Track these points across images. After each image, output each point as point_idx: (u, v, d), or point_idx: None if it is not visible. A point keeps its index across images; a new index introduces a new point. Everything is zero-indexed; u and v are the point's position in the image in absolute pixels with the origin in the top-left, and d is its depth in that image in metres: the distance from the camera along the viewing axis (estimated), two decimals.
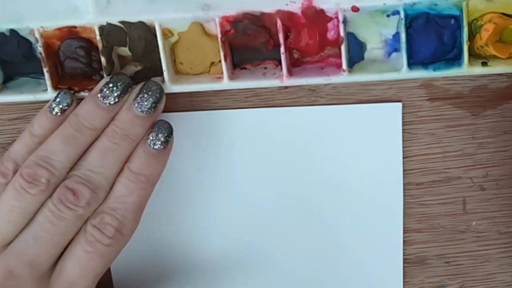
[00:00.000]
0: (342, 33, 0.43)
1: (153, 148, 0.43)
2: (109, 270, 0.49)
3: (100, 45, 0.44)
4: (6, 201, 0.41)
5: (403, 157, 0.46)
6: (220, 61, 0.45)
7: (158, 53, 0.44)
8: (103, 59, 0.44)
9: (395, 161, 0.46)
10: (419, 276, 0.49)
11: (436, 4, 0.43)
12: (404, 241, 0.48)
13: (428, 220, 0.48)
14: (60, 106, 0.44)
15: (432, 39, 0.44)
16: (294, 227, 0.48)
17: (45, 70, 0.44)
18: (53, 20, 0.44)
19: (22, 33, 0.45)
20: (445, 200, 0.48)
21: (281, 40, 0.44)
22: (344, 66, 0.44)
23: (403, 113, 0.46)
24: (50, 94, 0.45)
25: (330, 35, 0.44)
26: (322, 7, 0.43)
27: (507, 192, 0.47)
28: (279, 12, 0.43)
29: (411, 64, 0.44)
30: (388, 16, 0.44)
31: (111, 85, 0.43)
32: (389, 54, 0.45)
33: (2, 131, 0.48)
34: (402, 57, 0.43)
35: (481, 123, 0.46)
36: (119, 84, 0.43)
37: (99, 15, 0.44)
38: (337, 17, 0.43)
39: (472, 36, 0.43)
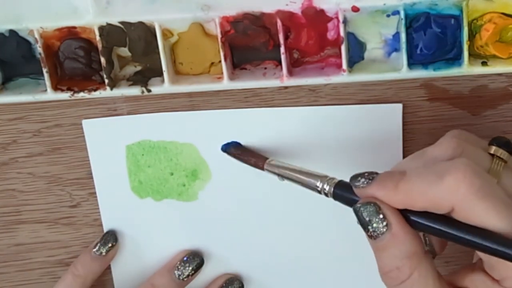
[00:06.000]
0: (342, 33, 0.43)
1: None
2: (109, 270, 0.50)
3: (99, 46, 0.44)
4: None
5: (403, 157, 0.46)
6: (220, 61, 0.45)
7: (158, 53, 0.44)
8: (102, 60, 0.44)
9: (395, 161, 0.46)
10: None
11: (436, 4, 0.43)
12: None
13: None
14: (106, 247, 0.48)
15: (432, 39, 0.44)
16: (294, 226, 0.48)
17: (44, 70, 0.44)
18: (53, 20, 0.44)
19: (21, 34, 0.45)
20: None
21: (281, 40, 0.44)
22: (344, 66, 0.44)
23: (403, 113, 0.46)
24: (49, 94, 0.45)
25: (330, 35, 0.44)
26: (322, 7, 0.43)
27: None
28: (279, 12, 0.43)
29: (411, 64, 0.44)
30: (388, 16, 0.44)
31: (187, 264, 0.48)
32: (389, 54, 0.45)
33: (2, 131, 0.48)
34: (402, 57, 0.43)
35: (481, 123, 0.46)
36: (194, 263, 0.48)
37: (98, 16, 0.43)
38: (337, 17, 0.43)
39: (472, 36, 0.43)
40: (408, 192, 0.35)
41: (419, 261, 0.36)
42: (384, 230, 0.36)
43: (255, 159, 0.45)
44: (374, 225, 0.36)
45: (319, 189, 0.40)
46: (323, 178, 0.40)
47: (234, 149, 0.46)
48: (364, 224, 0.36)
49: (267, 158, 0.44)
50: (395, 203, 0.36)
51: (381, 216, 0.36)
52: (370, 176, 0.37)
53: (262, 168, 0.44)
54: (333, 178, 0.40)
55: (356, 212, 0.36)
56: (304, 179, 0.41)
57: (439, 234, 0.35)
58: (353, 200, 0.37)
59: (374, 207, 0.36)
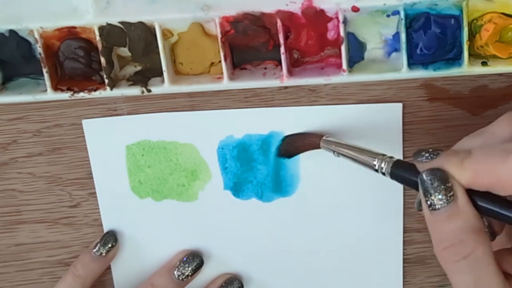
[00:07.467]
0: (342, 33, 0.43)
1: None
2: (109, 270, 0.50)
3: (99, 46, 0.44)
4: None
5: (403, 157, 0.46)
6: (220, 61, 0.45)
7: (158, 53, 0.44)
8: (102, 60, 0.44)
9: None
10: (419, 276, 0.49)
11: (436, 4, 0.43)
12: (404, 241, 0.48)
13: None
14: (106, 248, 0.48)
15: (432, 39, 0.44)
16: (294, 225, 0.48)
17: (44, 70, 0.44)
18: (53, 20, 0.44)
19: (21, 34, 0.45)
20: None
21: (281, 40, 0.44)
22: (344, 66, 0.44)
23: (403, 113, 0.46)
24: (49, 95, 0.45)
25: (330, 35, 0.44)
26: (322, 7, 0.43)
27: None
28: (279, 12, 0.43)
29: (411, 64, 0.44)
30: (388, 16, 0.44)
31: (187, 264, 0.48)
32: (389, 54, 0.45)
33: (2, 131, 0.48)
34: (402, 57, 0.43)
35: (481, 123, 0.46)
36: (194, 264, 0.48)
37: (99, 16, 0.43)
38: (337, 17, 0.43)
39: (472, 36, 0.43)
40: (473, 169, 0.34)
41: (484, 238, 0.34)
42: (450, 199, 0.34)
43: (308, 140, 0.45)
44: (442, 191, 0.34)
45: (376, 167, 0.39)
46: (380, 156, 0.40)
47: (286, 147, 0.46)
48: (429, 193, 0.35)
49: (322, 136, 0.44)
50: (459, 180, 0.35)
51: (448, 184, 0.34)
52: (435, 152, 0.36)
53: (318, 146, 0.44)
54: (391, 157, 0.39)
55: (423, 180, 0.35)
56: (360, 157, 0.41)
57: (500, 217, 0.34)
58: (410, 180, 0.37)
59: (443, 174, 0.35)
